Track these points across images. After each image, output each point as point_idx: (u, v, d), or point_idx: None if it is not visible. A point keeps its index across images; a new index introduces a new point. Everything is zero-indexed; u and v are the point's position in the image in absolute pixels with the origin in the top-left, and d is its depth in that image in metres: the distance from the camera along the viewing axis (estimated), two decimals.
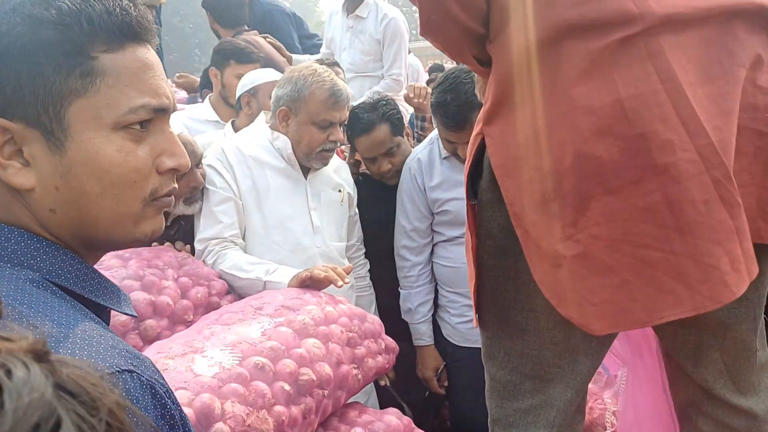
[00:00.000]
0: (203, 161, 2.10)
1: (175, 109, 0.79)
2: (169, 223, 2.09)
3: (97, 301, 0.73)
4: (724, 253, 1.11)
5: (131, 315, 0.78)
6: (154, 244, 1.94)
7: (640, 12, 1.10)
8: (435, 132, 2.41)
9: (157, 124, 0.76)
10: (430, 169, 2.35)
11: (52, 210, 0.72)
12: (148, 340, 1.66)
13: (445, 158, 2.34)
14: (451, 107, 2.14)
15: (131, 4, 0.74)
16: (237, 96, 2.71)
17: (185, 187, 2.00)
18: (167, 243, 1.98)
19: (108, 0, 0.72)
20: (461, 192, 2.30)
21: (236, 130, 2.62)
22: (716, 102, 1.12)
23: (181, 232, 2.11)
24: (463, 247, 2.32)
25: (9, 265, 0.68)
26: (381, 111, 2.41)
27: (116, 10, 0.71)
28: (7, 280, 0.66)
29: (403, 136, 2.50)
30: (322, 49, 4.25)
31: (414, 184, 2.37)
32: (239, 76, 2.77)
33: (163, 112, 0.76)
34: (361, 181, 2.56)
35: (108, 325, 0.75)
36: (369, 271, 2.48)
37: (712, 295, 1.12)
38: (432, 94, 2.26)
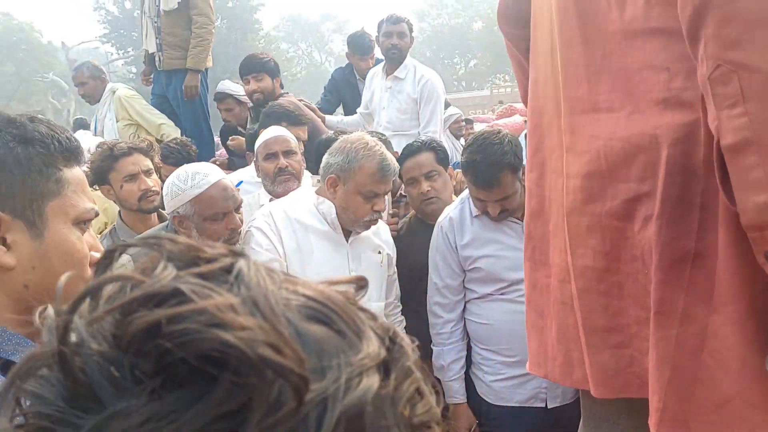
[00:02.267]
0: (252, 223, 2.23)
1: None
2: None
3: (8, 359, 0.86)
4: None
5: None
6: None
7: None
8: (466, 191, 2.49)
9: (89, 224, 0.99)
10: (461, 227, 2.43)
11: (26, 286, 0.90)
12: None
13: (475, 216, 2.42)
14: (482, 167, 2.23)
15: (75, 137, 0.99)
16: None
17: (224, 229, 2.15)
18: None
19: (63, 131, 0.96)
20: (492, 249, 2.37)
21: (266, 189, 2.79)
22: None
23: None
24: (496, 304, 2.37)
25: None
26: (428, 141, 2.75)
27: (71, 139, 0.97)
28: None
29: (445, 169, 2.68)
30: (360, 109, 4.46)
31: (446, 241, 2.44)
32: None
33: (96, 216, 1.00)
34: (408, 226, 2.68)
35: None
36: (414, 316, 2.54)
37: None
38: (462, 155, 2.37)
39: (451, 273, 2.45)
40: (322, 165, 2.31)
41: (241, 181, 3.10)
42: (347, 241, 2.29)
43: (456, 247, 2.43)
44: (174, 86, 4.70)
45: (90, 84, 4.75)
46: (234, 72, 4.71)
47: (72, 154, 0.96)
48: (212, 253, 0.38)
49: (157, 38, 4.67)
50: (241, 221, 2.23)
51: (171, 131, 4.62)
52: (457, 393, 2.49)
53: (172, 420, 0.31)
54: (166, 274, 0.35)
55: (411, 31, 4.25)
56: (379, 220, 2.50)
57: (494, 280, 2.38)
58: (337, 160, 2.22)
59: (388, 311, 2.45)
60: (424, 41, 45.87)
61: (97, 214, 1.00)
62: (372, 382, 0.36)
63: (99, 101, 4.79)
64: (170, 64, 4.68)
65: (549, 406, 2.40)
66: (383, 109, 4.19)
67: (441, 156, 2.69)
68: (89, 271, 0.95)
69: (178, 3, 4.48)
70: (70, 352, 0.34)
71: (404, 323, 2.54)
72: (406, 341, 0.42)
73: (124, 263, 1.13)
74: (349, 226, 2.27)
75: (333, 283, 0.43)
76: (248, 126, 4.47)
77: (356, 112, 4.62)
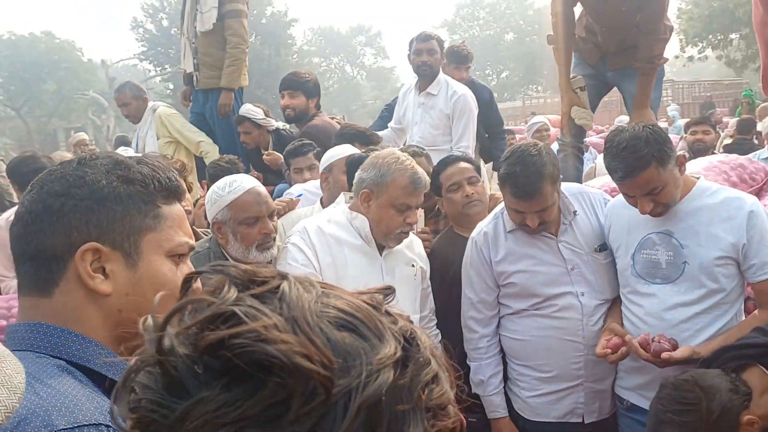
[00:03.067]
0: (288, 239, 2.31)
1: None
2: None
3: (108, 376, 0.94)
4: None
5: None
6: None
7: None
8: (499, 206, 2.51)
9: (185, 257, 1.09)
10: (495, 242, 2.43)
11: (120, 310, 0.99)
12: None
13: (509, 231, 2.41)
14: (521, 178, 2.21)
15: (176, 176, 1.09)
16: (321, 172, 2.98)
17: (258, 233, 2.25)
18: None
19: (166, 171, 1.06)
20: (526, 264, 2.38)
21: (323, 205, 2.89)
22: None
23: None
24: (531, 320, 2.38)
25: (48, 355, 0.93)
26: (463, 155, 2.91)
27: (172, 179, 1.06)
28: (40, 365, 0.90)
29: (480, 177, 2.82)
30: (391, 124, 4.53)
31: (480, 257, 2.44)
32: None
33: (192, 250, 1.10)
34: (444, 239, 2.75)
35: None
36: (452, 328, 2.56)
37: None
38: (500, 169, 2.35)
39: (486, 288, 2.45)
40: (354, 181, 2.36)
41: (301, 194, 3.20)
42: (381, 255, 2.34)
43: (490, 262, 2.43)
44: (210, 105, 4.84)
45: (133, 104, 4.91)
46: (267, 87, 4.86)
47: (171, 192, 1.06)
48: (264, 275, 0.52)
49: (194, 58, 4.83)
50: (275, 228, 2.32)
51: (209, 148, 4.75)
52: (498, 407, 2.48)
53: (238, 407, 0.45)
54: (230, 296, 0.49)
55: (441, 47, 4.31)
56: (412, 234, 2.55)
57: (529, 296, 2.37)
58: (370, 175, 2.27)
59: (423, 324, 2.47)
60: None
61: (192, 248, 1.09)
62: (387, 376, 0.48)
63: (140, 120, 4.95)
64: (207, 83, 4.82)
65: (586, 421, 2.39)
66: (416, 125, 4.25)
67: (476, 168, 2.80)
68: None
69: (213, 24, 4.62)
70: (166, 355, 0.47)
71: (440, 336, 2.56)
72: (424, 339, 0.54)
73: None
74: (383, 239, 2.31)
75: (363, 292, 0.56)
76: (269, 150, 4.59)
77: (387, 126, 4.68)
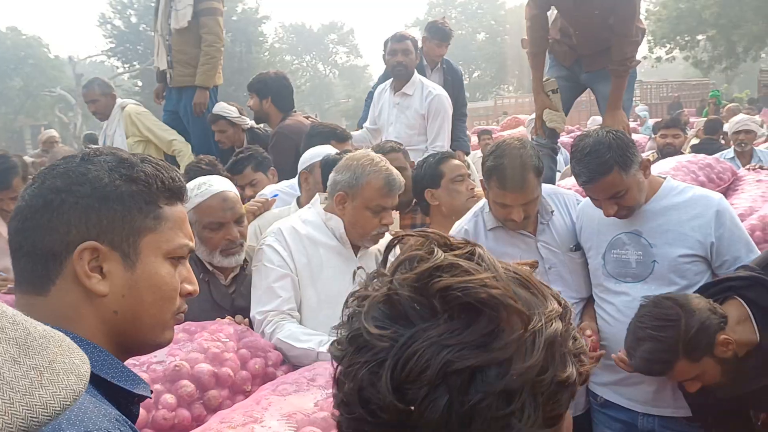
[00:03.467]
0: (263, 241, 2.30)
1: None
2: (227, 282, 2.34)
3: (119, 385, 0.93)
4: None
5: (147, 396, 0.98)
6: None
7: None
8: (479, 204, 2.52)
9: (184, 259, 1.07)
10: (475, 240, 2.44)
11: (115, 312, 0.97)
12: (212, 410, 1.80)
13: (490, 230, 2.44)
14: (508, 170, 2.24)
15: (179, 176, 1.07)
16: (299, 171, 2.98)
17: (221, 239, 2.25)
18: (228, 317, 2.15)
19: (169, 171, 1.05)
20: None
21: (300, 205, 2.87)
22: None
23: (237, 292, 2.34)
24: None
25: None
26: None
27: (175, 179, 1.05)
28: None
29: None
30: (366, 125, 4.54)
31: None
32: None
33: (191, 252, 1.08)
34: None
35: (136, 405, 0.99)
36: None
37: None
38: (485, 163, 2.37)
39: None
40: (329, 183, 2.36)
41: (277, 194, 3.18)
42: (356, 255, 2.34)
43: None
44: (184, 103, 4.78)
45: (101, 101, 4.84)
46: (239, 84, 4.83)
47: (173, 193, 1.04)
48: (457, 242, 0.71)
49: (168, 56, 4.77)
50: (242, 234, 2.31)
51: (182, 147, 4.70)
52: None
53: (458, 333, 0.61)
54: (441, 254, 0.66)
55: (416, 48, 4.33)
56: (387, 234, 2.56)
57: None
58: (344, 177, 2.27)
59: None
60: None
61: (191, 250, 1.07)
62: (558, 325, 0.65)
63: (109, 117, 4.88)
64: (180, 81, 4.77)
65: None
66: (391, 125, 4.27)
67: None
68: (178, 302, 1.05)
69: (188, 22, 4.58)
70: (392, 296, 0.65)
71: None
72: (569, 304, 0.70)
73: None
74: (358, 240, 2.32)
75: (520, 263, 0.72)
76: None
77: (362, 127, 4.69)
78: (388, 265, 0.70)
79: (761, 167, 3.93)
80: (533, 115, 6.54)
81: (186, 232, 1.06)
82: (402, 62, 4.21)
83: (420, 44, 4.74)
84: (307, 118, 4.28)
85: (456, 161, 2.85)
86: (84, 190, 0.96)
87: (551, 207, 2.47)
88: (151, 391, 1.03)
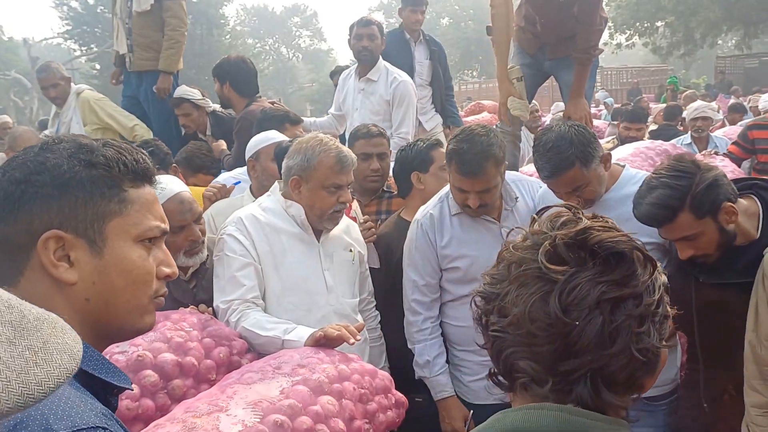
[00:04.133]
0: (224, 231, 2.27)
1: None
2: (187, 278, 2.30)
3: (99, 376, 0.92)
4: None
5: (128, 388, 0.99)
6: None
7: None
8: (444, 190, 2.53)
9: (158, 241, 1.06)
10: (441, 225, 2.45)
11: (87, 299, 0.96)
12: (176, 399, 1.79)
13: (454, 215, 2.44)
14: (468, 155, 2.26)
15: (146, 157, 1.05)
16: (246, 159, 2.95)
17: (184, 241, 2.22)
18: (191, 306, 2.13)
19: (133, 153, 1.03)
20: (470, 249, 2.40)
21: (252, 193, 2.87)
22: None
23: (198, 286, 2.32)
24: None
25: None
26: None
27: (140, 160, 1.03)
28: None
29: None
30: (331, 111, 4.52)
31: (426, 239, 2.46)
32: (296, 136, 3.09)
33: (164, 234, 1.06)
34: (393, 225, 2.78)
35: (115, 397, 0.99)
36: (397, 312, 2.58)
37: None
38: (448, 146, 2.40)
39: (431, 271, 2.47)
40: (283, 170, 2.36)
41: (239, 181, 3.15)
42: (318, 240, 2.35)
43: (435, 245, 2.45)
44: (145, 87, 4.69)
45: (62, 86, 4.70)
46: (200, 67, 4.74)
47: (138, 175, 1.02)
48: (588, 214, 0.96)
49: (128, 39, 4.66)
50: (202, 232, 2.29)
51: (144, 132, 4.61)
52: (445, 387, 2.48)
53: (607, 274, 0.86)
54: (586, 220, 0.93)
55: (382, 33, 4.32)
56: (349, 219, 2.56)
57: (471, 281, 2.40)
58: (296, 161, 2.28)
59: (362, 307, 2.50)
60: None
61: (165, 232, 1.06)
62: (664, 277, 0.92)
63: (62, 104, 4.74)
64: (140, 65, 4.67)
65: None
66: (356, 111, 4.25)
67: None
68: (155, 285, 1.04)
69: (151, 5, 4.47)
70: (556, 246, 0.89)
71: (379, 317, 2.60)
72: (659, 266, 0.93)
73: None
74: (318, 222, 2.32)
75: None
76: (208, 133, 4.49)
77: (328, 113, 4.66)
78: (536, 225, 0.95)
79: (716, 153, 4.04)
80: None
81: (156, 214, 1.05)
82: (367, 47, 4.20)
83: (399, 18, 4.86)
84: (272, 103, 4.23)
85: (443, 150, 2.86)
86: (43, 179, 0.95)
87: (515, 193, 2.50)
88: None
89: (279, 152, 2.69)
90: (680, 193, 1.94)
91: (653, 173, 2.07)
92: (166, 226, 1.06)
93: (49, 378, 0.52)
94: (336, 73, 5.49)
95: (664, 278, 0.91)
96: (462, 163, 2.28)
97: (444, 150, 2.86)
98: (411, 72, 4.69)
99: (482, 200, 2.33)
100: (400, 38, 4.86)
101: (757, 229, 2.03)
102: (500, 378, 0.97)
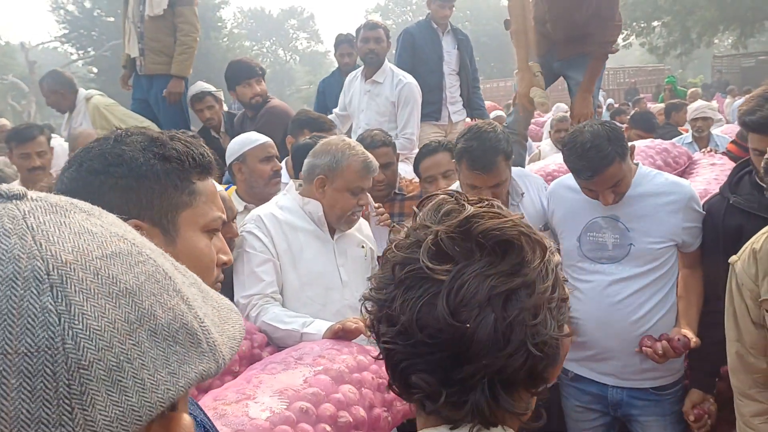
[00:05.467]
0: (244, 228, 2.35)
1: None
2: None
3: None
4: None
5: None
6: None
7: None
8: (455, 186, 2.58)
9: (218, 231, 1.11)
10: None
11: None
12: (203, 389, 1.86)
13: None
14: (478, 152, 2.33)
15: (209, 151, 1.11)
16: (228, 164, 3.00)
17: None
18: None
19: (199, 147, 1.08)
20: None
21: (240, 195, 2.95)
22: None
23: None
24: None
25: None
26: (444, 142, 3.10)
27: (205, 155, 1.09)
28: None
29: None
30: (336, 110, 4.60)
31: None
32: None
33: (225, 223, 1.12)
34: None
35: None
36: None
37: None
38: (457, 145, 2.46)
39: None
40: (305, 168, 2.42)
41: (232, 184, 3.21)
42: (333, 238, 2.42)
43: None
44: (155, 91, 4.76)
45: (61, 92, 4.81)
46: (197, 70, 4.83)
47: (204, 168, 1.08)
48: (474, 199, 0.87)
49: (140, 43, 4.73)
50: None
51: None
52: None
53: (495, 266, 0.78)
54: (470, 207, 0.83)
55: (388, 36, 4.40)
56: (363, 219, 2.64)
57: None
58: (324, 161, 2.35)
59: None
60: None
61: (224, 222, 1.11)
62: (558, 257, 0.85)
63: (68, 109, 4.84)
64: (152, 69, 4.74)
65: None
66: (362, 112, 4.33)
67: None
68: (215, 272, 1.09)
69: (164, 10, 4.56)
70: (439, 240, 0.80)
71: None
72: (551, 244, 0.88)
73: None
74: (336, 222, 2.40)
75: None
76: (222, 130, 4.58)
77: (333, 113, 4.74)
78: (418, 219, 0.86)
79: (716, 151, 4.12)
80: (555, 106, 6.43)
81: (218, 205, 1.10)
82: (374, 50, 4.28)
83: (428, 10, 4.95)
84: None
85: (430, 161, 2.98)
86: (121, 170, 0.99)
87: (521, 189, 2.57)
88: None
89: (297, 149, 2.75)
90: None
91: (752, 99, 2.19)
92: (225, 216, 1.12)
93: (237, 333, 0.55)
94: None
95: (557, 258, 0.85)
96: (473, 160, 2.34)
97: (429, 163, 2.96)
98: (440, 61, 4.78)
99: (494, 195, 2.35)
100: (428, 28, 4.92)
101: None
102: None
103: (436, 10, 4.90)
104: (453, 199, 0.86)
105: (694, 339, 2.24)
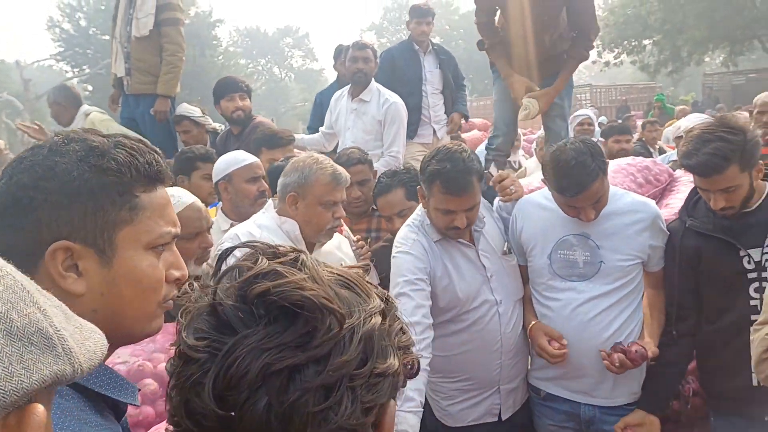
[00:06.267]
0: (221, 247, 2.36)
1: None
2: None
3: (110, 396, 0.89)
4: None
5: (134, 404, 0.95)
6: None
7: None
8: (414, 218, 2.43)
9: (169, 245, 1.03)
10: (431, 255, 2.34)
11: (95, 310, 0.92)
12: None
13: (435, 242, 2.37)
14: (452, 173, 2.20)
15: (159, 158, 1.01)
16: (214, 182, 3.02)
17: (197, 248, 2.29)
18: None
19: (146, 155, 0.98)
20: (453, 276, 2.32)
21: (226, 213, 2.96)
22: None
23: None
24: (452, 337, 2.30)
25: None
26: (398, 176, 2.92)
27: (153, 162, 0.99)
28: None
29: (417, 202, 2.57)
30: (323, 129, 4.65)
31: (421, 265, 2.33)
32: (270, 161, 3.21)
33: (176, 237, 1.03)
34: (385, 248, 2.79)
35: (122, 409, 0.98)
36: None
37: None
38: (425, 169, 2.28)
39: (425, 296, 2.29)
40: (279, 188, 2.45)
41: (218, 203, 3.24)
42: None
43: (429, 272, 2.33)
44: (141, 110, 4.83)
45: (55, 109, 4.89)
46: (192, 88, 4.91)
47: (151, 178, 0.98)
48: (285, 250, 0.73)
49: (126, 63, 4.80)
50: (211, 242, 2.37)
51: None
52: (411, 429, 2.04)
53: (277, 336, 0.64)
54: (264, 262, 0.69)
55: (375, 56, 4.46)
56: (340, 236, 2.65)
57: (449, 309, 2.36)
58: (293, 179, 2.38)
59: None
60: None
61: (175, 236, 1.02)
62: (377, 320, 0.69)
63: (68, 123, 4.89)
64: (138, 88, 4.80)
65: (503, 418, 2.48)
66: (348, 130, 4.37)
67: (411, 190, 2.75)
68: (164, 290, 1.01)
69: (150, 30, 4.62)
70: (216, 305, 0.67)
71: None
72: (394, 300, 0.75)
73: None
74: (313, 238, 2.41)
75: (350, 267, 0.76)
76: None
77: (318, 130, 4.78)
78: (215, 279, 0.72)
79: None
80: (578, 112, 6.66)
81: (168, 218, 1.01)
82: (362, 69, 4.33)
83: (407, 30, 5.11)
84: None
85: (383, 200, 2.94)
86: (52, 186, 0.90)
87: (482, 214, 2.44)
88: (139, 389, 1.01)
89: (272, 171, 2.78)
90: (734, 146, 2.11)
91: (705, 128, 2.20)
92: (177, 229, 1.03)
93: (97, 349, 0.57)
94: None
95: (375, 321, 0.69)
96: (447, 182, 2.21)
97: (382, 203, 2.91)
98: (420, 82, 4.89)
99: (468, 219, 2.28)
100: (409, 49, 5.05)
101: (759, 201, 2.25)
102: None
103: (414, 28, 5.03)
104: (253, 252, 0.72)
105: (651, 349, 2.26)
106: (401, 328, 0.74)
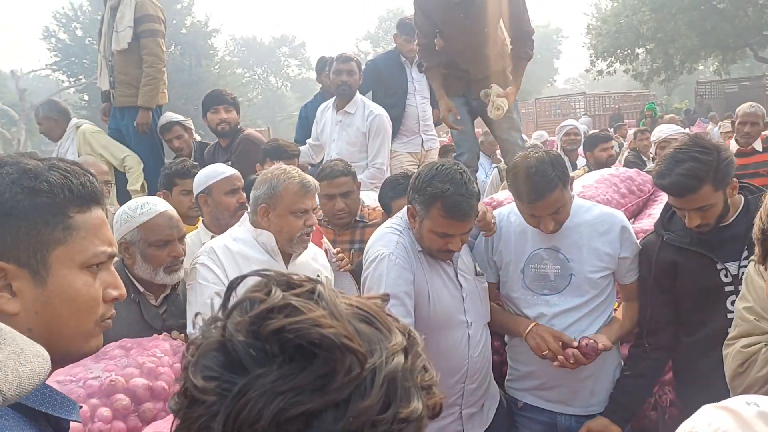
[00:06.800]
0: (196, 260, 2.38)
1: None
2: (158, 303, 2.38)
3: (46, 412, 0.85)
4: None
5: (77, 421, 0.90)
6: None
7: None
8: (383, 233, 2.35)
9: (106, 264, 1.04)
10: (416, 268, 2.28)
11: (30, 329, 0.93)
12: (147, 421, 1.87)
13: (419, 252, 2.31)
14: (456, 197, 2.10)
15: (94, 179, 1.03)
16: (195, 195, 3.04)
17: (168, 256, 2.31)
18: (164, 333, 2.22)
19: (80, 176, 1.00)
20: (431, 291, 2.25)
21: (207, 226, 2.98)
22: None
23: (168, 312, 2.40)
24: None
25: None
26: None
27: (87, 184, 1.00)
28: None
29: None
30: (310, 141, 4.67)
31: (407, 277, 2.29)
32: None
33: (112, 257, 1.04)
34: None
35: (63, 426, 0.91)
36: None
37: None
38: (426, 189, 2.17)
39: (408, 313, 2.23)
40: (251, 201, 2.48)
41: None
42: (287, 267, 2.45)
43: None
44: (126, 122, 4.87)
45: (55, 118, 4.91)
46: (188, 98, 4.94)
47: (85, 199, 1.00)
48: (299, 280, 0.67)
49: (110, 76, 4.85)
50: (184, 251, 2.40)
51: (133, 164, 4.81)
52: None
53: (293, 378, 0.58)
54: (278, 294, 0.63)
55: (360, 69, 4.48)
56: (316, 247, 2.65)
57: (434, 325, 2.29)
58: (262, 191, 2.41)
59: None
60: None
61: (111, 256, 1.03)
62: (400, 359, 0.63)
63: (59, 137, 4.94)
64: (122, 101, 4.85)
65: None
66: (333, 142, 4.40)
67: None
68: (101, 309, 1.02)
69: (128, 43, 4.67)
70: (226, 342, 0.61)
71: None
72: (417, 335, 0.69)
73: None
74: (288, 247, 2.43)
75: (368, 297, 0.70)
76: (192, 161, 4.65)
77: (305, 144, 4.80)
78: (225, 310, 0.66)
79: None
80: (564, 122, 6.86)
81: (104, 238, 1.02)
82: (347, 82, 4.36)
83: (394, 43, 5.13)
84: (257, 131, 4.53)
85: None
86: None
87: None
88: (81, 406, 1.00)
89: (248, 186, 2.80)
90: (707, 166, 2.11)
91: (678, 148, 2.21)
92: (113, 249, 1.04)
93: (34, 374, 0.58)
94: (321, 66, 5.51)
95: (398, 360, 0.63)
96: (450, 207, 2.11)
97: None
98: (404, 94, 4.92)
99: (462, 242, 2.24)
100: (395, 60, 5.07)
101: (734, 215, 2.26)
102: None
103: (402, 44, 5.06)
104: (266, 281, 0.66)
105: (603, 342, 2.24)
106: (424, 366, 0.67)
